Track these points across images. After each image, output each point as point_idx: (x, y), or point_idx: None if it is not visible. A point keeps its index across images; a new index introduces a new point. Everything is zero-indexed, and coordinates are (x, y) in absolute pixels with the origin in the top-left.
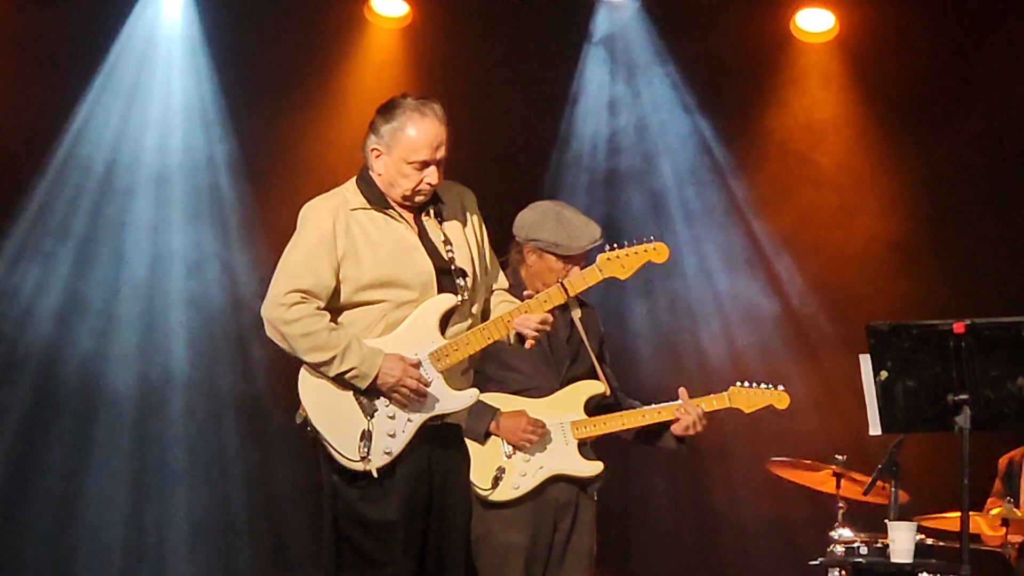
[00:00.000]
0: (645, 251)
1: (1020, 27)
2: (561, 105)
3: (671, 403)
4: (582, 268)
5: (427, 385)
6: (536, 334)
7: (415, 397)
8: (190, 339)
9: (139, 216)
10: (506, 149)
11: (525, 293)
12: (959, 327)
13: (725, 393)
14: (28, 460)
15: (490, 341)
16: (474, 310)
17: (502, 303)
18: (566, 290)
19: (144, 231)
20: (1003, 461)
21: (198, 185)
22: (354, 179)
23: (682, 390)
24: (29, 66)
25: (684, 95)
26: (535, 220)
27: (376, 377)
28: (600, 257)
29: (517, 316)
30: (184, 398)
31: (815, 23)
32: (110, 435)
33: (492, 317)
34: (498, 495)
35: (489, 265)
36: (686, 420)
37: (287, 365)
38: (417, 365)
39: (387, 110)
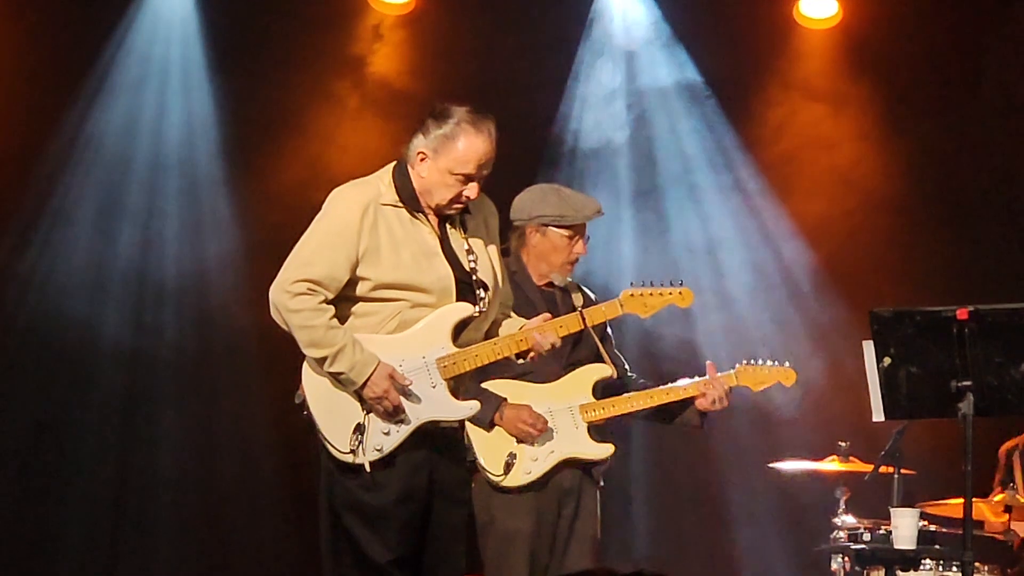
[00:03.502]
0: (670, 294)
1: None
2: (562, 92)
3: (695, 380)
4: (585, 245)
5: (419, 399)
6: (543, 351)
7: (391, 416)
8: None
9: (137, 204)
10: (507, 137)
11: (545, 316)
12: (963, 313)
13: (732, 372)
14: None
15: (499, 357)
16: (487, 326)
17: (509, 321)
18: (584, 320)
19: (143, 219)
20: (1002, 452)
21: (194, 170)
22: (390, 170)
23: (710, 364)
24: (28, 61)
25: (687, 82)
26: (535, 199)
27: (363, 386)
28: (624, 292)
29: (530, 338)
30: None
31: (818, 9)
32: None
33: (501, 334)
34: (510, 480)
35: (502, 285)
36: (712, 394)
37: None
38: (409, 384)
39: (441, 116)
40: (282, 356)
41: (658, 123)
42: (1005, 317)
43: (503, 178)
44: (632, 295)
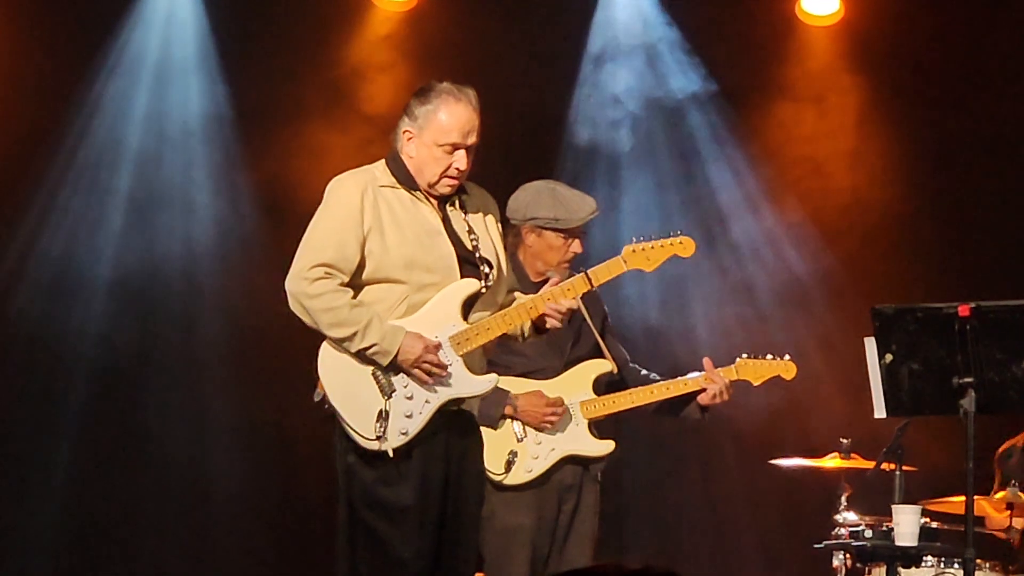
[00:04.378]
0: (671, 244)
1: None
2: (567, 89)
3: (695, 374)
4: (581, 243)
5: (446, 366)
6: (562, 318)
7: (435, 374)
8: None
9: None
10: (511, 133)
11: (552, 280)
12: (964, 310)
13: (732, 366)
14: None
15: (511, 327)
16: (497, 300)
17: (516, 299)
18: (590, 280)
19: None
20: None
21: (198, 161)
22: (383, 160)
23: (707, 360)
24: (31, 46)
25: (690, 80)
26: (530, 199)
27: (396, 354)
28: (626, 249)
29: (540, 303)
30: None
31: (820, 7)
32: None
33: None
34: (512, 479)
35: (506, 270)
36: (713, 389)
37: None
38: (438, 347)
39: (423, 93)
40: (282, 352)
41: (661, 121)
42: (1007, 314)
43: (508, 175)
44: (634, 250)
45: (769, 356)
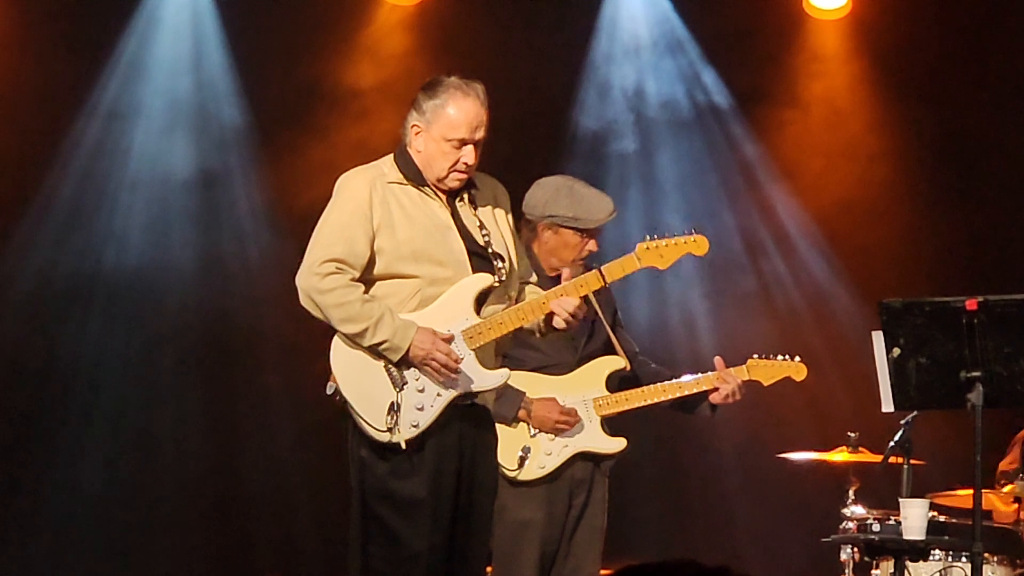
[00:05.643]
0: (685, 243)
1: None
2: (572, 84)
3: (707, 373)
4: (596, 242)
5: (458, 361)
6: (571, 319)
7: (445, 371)
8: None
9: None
10: (517, 129)
11: (565, 276)
12: (972, 304)
13: (743, 366)
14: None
15: (524, 322)
16: (509, 294)
17: (532, 294)
18: (603, 277)
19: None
20: (1019, 438)
21: (204, 165)
22: (391, 155)
23: (718, 359)
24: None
25: (697, 72)
26: (548, 197)
27: (408, 350)
28: (639, 246)
29: (552, 299)
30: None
31: (828, 0)
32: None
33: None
34: (525, 475)
35: (519, 259)
36: (726, 389)
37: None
38: (450, 340)
39: (430, 88)
40: (290, 348)
41: (667, 117)
42: (1014, 308)
43: (514, 172)
44: (647, 248)
45: (780, 357)
